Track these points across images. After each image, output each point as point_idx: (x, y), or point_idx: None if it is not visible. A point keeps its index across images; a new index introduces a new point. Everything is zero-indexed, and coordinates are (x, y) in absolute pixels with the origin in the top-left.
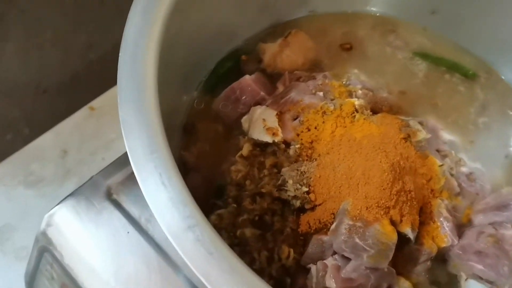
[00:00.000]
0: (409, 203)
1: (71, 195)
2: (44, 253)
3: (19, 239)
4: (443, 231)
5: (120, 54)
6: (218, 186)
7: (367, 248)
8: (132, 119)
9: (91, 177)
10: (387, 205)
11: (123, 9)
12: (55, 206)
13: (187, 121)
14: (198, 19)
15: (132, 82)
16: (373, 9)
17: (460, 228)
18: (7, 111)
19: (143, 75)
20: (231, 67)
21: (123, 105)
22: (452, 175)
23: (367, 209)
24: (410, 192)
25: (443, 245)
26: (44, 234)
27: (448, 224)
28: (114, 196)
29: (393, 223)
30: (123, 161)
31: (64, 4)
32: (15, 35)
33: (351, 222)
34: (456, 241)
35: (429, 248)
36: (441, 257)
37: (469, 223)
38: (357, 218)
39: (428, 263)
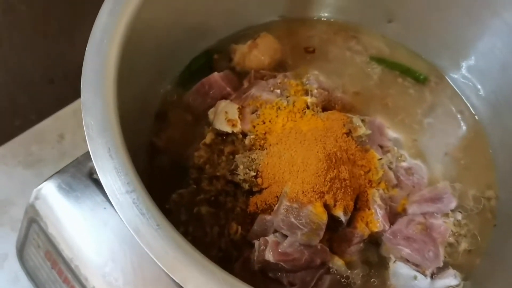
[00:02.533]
0: (343, 190)
1: (57, 172)
2: (32, 223)
3: (15, 213)
4: (376, 217)
5: (87, 47)
6: (181, 168)
7: (301, 227)
8: (90, 100)
9: (76, 158)
10: (321, 190)
11: None
12: (43, 182)
13: (159, 109)
14: (168, 18)
15: (94, 70)
16: (338, 16)
17: (395, 216)
18: (16, 98)
19: (104, 65)
20: (203, 64)
21: (85, 89)
22: (390, 168)
23: (303, 192)
24: (345, 180)
25: (375, 229)
26: (32, 206)
27: (381, 211)
28: (95, 176)
29: (327, 206)
30: None
31: None
32: (22, 25)
33: (288, 204)
34: (387, 227)
35: (361, 231)
36: (375, 241)
37: (403, 212)
38: (294, 200)
39: (361, 244)
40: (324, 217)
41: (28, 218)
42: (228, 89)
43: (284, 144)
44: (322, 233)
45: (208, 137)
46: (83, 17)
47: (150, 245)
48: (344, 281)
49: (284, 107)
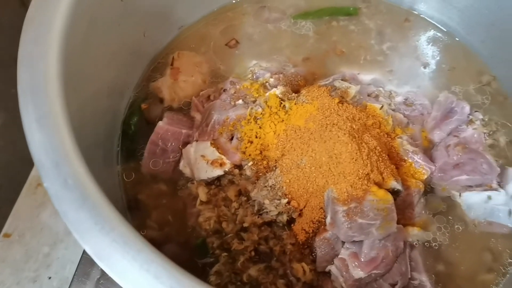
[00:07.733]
0: (380, 159)
1: None
2: None
3: None
4: (417, 165)
5: None
6: (198, 245)
7: (372, 222)
8: None
9: None
10: (365, 173)
11: None
12: None
13: (127, 198)
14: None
15: None
16: None
17: (427, 152)
18: None
19: None
20: (137, 122)
21: None
22: (393, 110)
23: (351, 187)
24: (376, 148)
25: (425, 176)
26: None
27: (418, 156)
28: None
29: (378, 185)
30: None
31: None
32: None
33: (345, 207)
34: (433, 167)
35: (416, 187)
36: (428, 188)
37: (431, 144)
38: (349, 200)
39: (422, 200)
40: (389, 198)
41: None
42: (184, 130)
43: (293, 150)
44: (395, 215)
45: (202, 193)
46: None
47: None
48: (431, 245)
49: (261, 113)
